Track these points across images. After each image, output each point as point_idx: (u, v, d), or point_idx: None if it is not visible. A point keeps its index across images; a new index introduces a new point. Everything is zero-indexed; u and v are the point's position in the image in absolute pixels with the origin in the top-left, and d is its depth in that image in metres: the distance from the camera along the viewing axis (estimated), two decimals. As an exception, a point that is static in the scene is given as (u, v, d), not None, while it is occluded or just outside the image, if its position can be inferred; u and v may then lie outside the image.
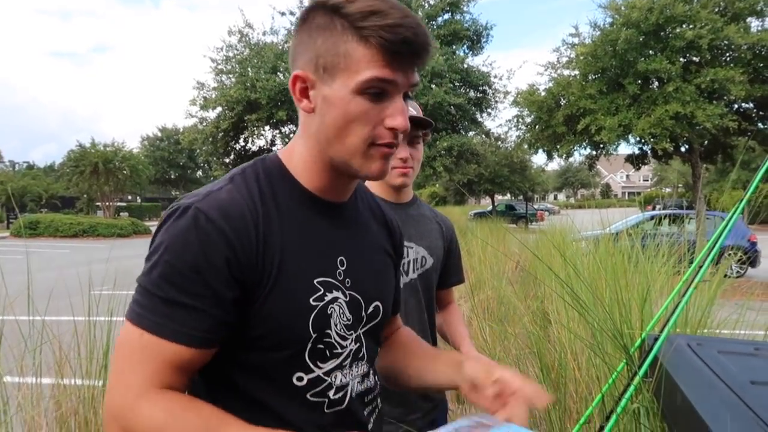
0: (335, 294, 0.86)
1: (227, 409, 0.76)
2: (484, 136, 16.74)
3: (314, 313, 0.83)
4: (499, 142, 20.14)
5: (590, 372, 2.29)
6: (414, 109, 1.56)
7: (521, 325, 4.03)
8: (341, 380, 0.88)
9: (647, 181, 73.72)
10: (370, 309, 0.93)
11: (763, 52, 10.42)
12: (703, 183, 12.29)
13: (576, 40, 12.13)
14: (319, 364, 0.85)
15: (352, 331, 0.89)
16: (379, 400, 0.98)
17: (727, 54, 10.96)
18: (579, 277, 2.33)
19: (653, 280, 2.51)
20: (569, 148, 12.10)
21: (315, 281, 0.84)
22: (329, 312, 0.85)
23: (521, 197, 34.85)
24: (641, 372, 1.12)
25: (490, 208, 34.53)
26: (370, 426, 0.93)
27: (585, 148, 12.66)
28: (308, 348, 0.84)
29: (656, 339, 1.26)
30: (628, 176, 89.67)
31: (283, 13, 15.74)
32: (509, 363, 3.16)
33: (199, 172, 53.70)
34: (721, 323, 2.14)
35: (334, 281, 0.87)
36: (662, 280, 3.03)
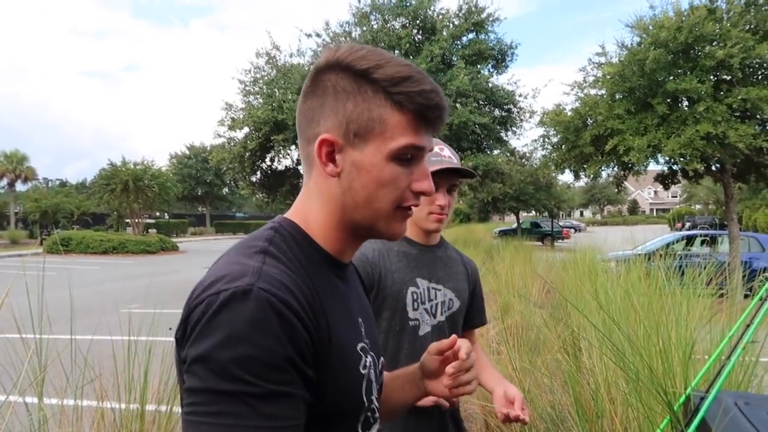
0: (367, 358, 0.85)
1: None
2: (509, 154, 16.67)
3: (364, 381, 0.83)
4: (525, 161, 20.01)
5: (626, 412, 2.24)
6: (453, 156, 1.60)
7: (551, 354, 3.98)
8: None
9: (676, 197, 72.40)
10: (380, 365, 0.94)
11: (796, 70, 10.24)
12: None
13: (602, 60, 12.07)
14: (365, 431, 0.85)
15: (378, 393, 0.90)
16: None
17: (759, 72, 10.78)
18: (614, 323, 2.29)
19: (692, 316, 2.46)
20: (597, 169, 11.98)
21: (357, 348, 0.84)
22: (371, 378, 0.86)
23: (546, 214, 34.51)
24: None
25: (515, 225, 34.28)
26: None
27: (613, 168, 12.52)
28: (362, 418, 0.83)
29: (701, 397, 1.23)
30: (656, 192, 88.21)
31: (309, 35, 16.02)
32: (540, 395, 3.12)
33: (225, 189, 54.46)
34: None
35: (365, 345, 0.86)
36: (701, 309, 2.97)
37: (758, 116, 10.48)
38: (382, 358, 0.96)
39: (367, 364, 0.85)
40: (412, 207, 0.83)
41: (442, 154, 1.58)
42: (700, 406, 1.18)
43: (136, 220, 29.20)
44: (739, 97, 9.98)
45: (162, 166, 32.05)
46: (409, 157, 0.79)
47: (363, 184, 0.79)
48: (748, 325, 1.19)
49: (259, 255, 0.75)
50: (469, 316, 1.77)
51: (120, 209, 29.75)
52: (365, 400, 0.83)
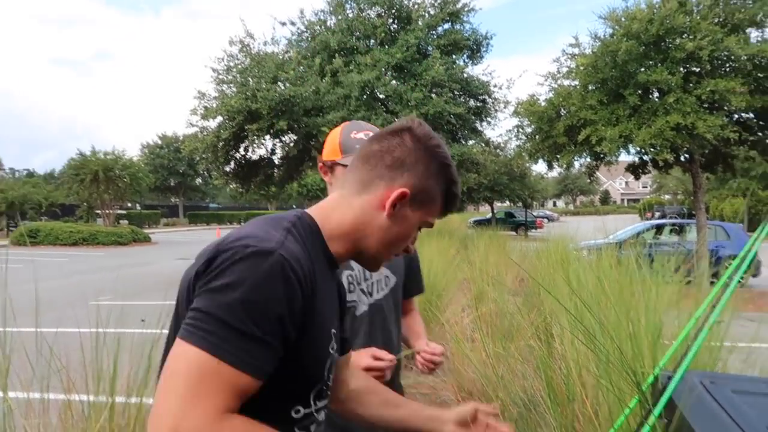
0: (334, 343, 1.03)
1: None
2: (483, 144, 16.77)
3: (329, 359, 1.00)
4: (499, 151, 20.16)
5: (597, 394, 2.28)
6: None
7: (524, 341, 4.02)
8: (322, 417, 1.03)
9: (646, 188, 73.80)
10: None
11: (762, 63, 10.43)
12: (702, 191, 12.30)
13: (576, 51, 12.17)
14: (317, 402, 0.99)
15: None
16: None
17: (728, 65, 10.99)
18: (584, 306, 2.32)
19: (661, 301, 2.50)
20: (570, 159, 12.11)
21: (331, 331, 1.01)
22: (333, 360, 1.03)
23: (520, 204, 34.87)
24: (656, 413, 1.12)
25: (489, 215, 34.56)
26: None
27: (585, 158, 12.68)
28: (318, 388, 0.98)
29: (669, 377, 1.25)
30: (627, 183, 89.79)
31: (283, 23, 15.74)
32: (513, 381, 3.15)
33: (199, 180, 53.77)
34: (736, 338, 2.13)
35: (336, 333, 1.04)
36: (669, 295, 3.02)
37: (725, 108, 10.68)
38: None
39: (334, 347, 1.02)
40: None
41: None
42: (667, 385, 1.20)
43: (107, 211, 28.64)
44: (708, 89, 10.16)
45: (133, 156, 31.45)
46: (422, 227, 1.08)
47: (397, 232, 1.03)
48: (714, 306, 1.20)
49: (284, 231, 0.92)
50: (406, 288, 1.91)
51: (90, 200, 29.14)
52: (326, 374, 1.00)
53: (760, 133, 11.80)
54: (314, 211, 1.05)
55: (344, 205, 1.03)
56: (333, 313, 1.05)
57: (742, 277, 1.42)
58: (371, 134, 1.68)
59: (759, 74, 10.52)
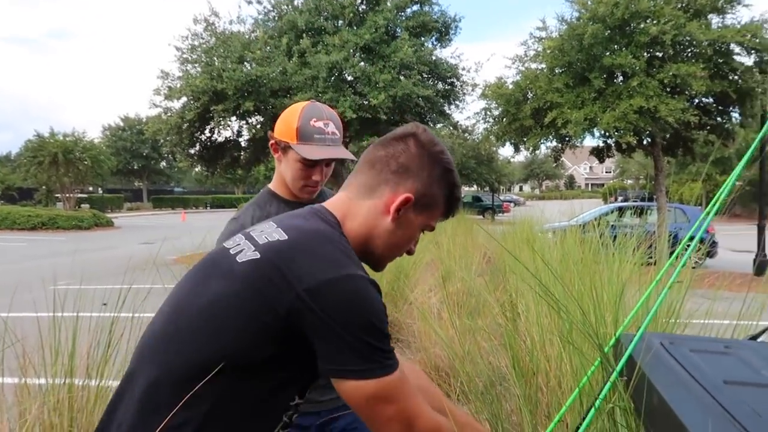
0: None
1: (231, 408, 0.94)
2: (452, 128, 16.81)
3: None
4: (467, 134, 20.27)
5: (561, 365, 2.32)
6: (338, 131, 1.72)
7: (491, 317, 4.07)
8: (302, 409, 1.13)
9: (610, 172, 75.33)
10: None
11: (722, 49, 10.70)
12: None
13: (543, 34, 12.26)
14: (307, 395, 1.08)
15: None
16: None
17: (689, 50, 11.22)
18: (551, 272, 2.35)
19: (622, 274, 2.55)
20: (536, 141, 12.25)
21: None
22: None
23: (487, 188, 35.20)
24: (617, 370, 1.13)
25: (457, 199, 34.74)
26: None
27: (551, 141, 12.84)
28: (317, 382, 1.06)
29: (631, 338, 1.27)
30: (591, 168, 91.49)
31: (249, 2, 15.41)
32: (480, 356, 3.19)
33: (163, 163, 52.65)
34: (691, 314, 2.19)
35: None
36: (629, 271, 3.08)
37: (686, 92, 10.93)
38: None
39: None
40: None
41: (327, 131, 1.66)
42: (629, 346, 1.22)
43: (67, 195, 27.86)
44: (670, 73, 10.38)
45: (94, 139, 30.58)
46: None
47: (403, 236, 1.09)
48: (675, 268, 1.22)
49: (339, 251, 0.99)
50: None
51: (49, 183, 28.29)
52: None
53: (719, 118, 12.13)
54: (336, 210, 1.09)
55: (354, 210, 1.08)
56: None
57: (697, 255, 1.44)
58: (331, 123, 1.68)
59: (719, 59, 10.78)
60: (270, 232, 1.01)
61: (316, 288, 0.91)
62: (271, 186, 1.82)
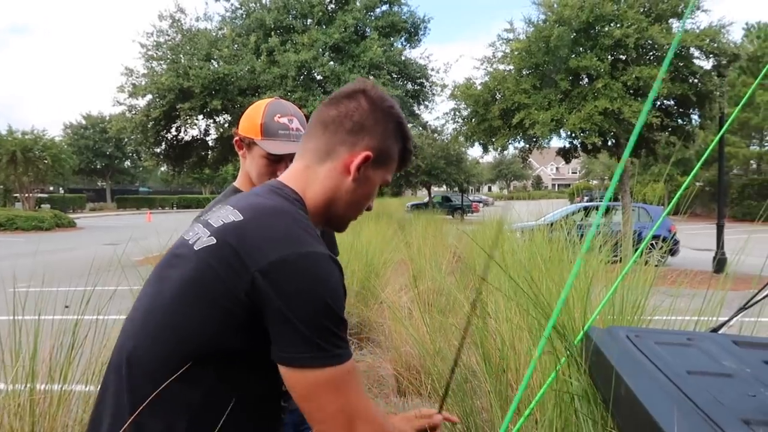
0: None
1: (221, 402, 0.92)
2: (421, 128, 16.90)
3: None
4: (436, 135, 20.40)
5: (529, 362, 2.35)
6: (302, 127, 1.72)
7: (461, 316, 4.11)
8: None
9: (576, 173, 76.75)
10: None
11: (683, 52, 11.00)
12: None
13: (511, 36, 12.42)
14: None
15: None
16: None
17: (651, 53, 11.51)
18: (522, 268, 2.38)
19: (589, 272, 2.61)
20: (504, 142, 12.40)
21: None
22: None
23: (456, 189, 35.48)
24: (583, 362, 1.16)
25: (426, 199, 34.99)
26: None
27: (519, 142, 13.01)
28: None
29: (599, 332, 1.30)
30: (557, 169, 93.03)
31: (217, -1, 15.21)
32: (451, 353, 3.21)
33: (128, 162, 51.56)
34: (654, 310, 2.25)
35: None
36: (594, 269, 3.15)
37: (649, 94, 11.22)
38: None
39: None
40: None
41: (291, 127, 1.68)
42: (599, 338, 1.25)
43: (26, 195, 27.04)
44: (633, 75, 10.63)
45: (55, 137, 29.73)
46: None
47: (364, 193, 1.09)
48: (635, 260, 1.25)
49: (296, 224, 0.96)
50: None
51: (7, 183, 27.45)
52: None
53: (679, 120, 12.47)
54: (294, 184, 1.07)
55: (312, 177, 1.06)
56: None
57: (659, 253, 1.49)
58: (295, 119, 1.69)
59: (679, 63, 11.09)
60: (226, 214, 0.97)
61: (269, 267, 0.87)
62: (236, 183, 1.80)
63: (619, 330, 1.34)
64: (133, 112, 13.90)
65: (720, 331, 1.46)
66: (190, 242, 0.99)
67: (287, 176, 1.08)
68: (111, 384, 0.97)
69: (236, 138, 1.71)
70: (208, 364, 0.90)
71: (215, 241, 0.93)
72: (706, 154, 1.40)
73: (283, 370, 0.89)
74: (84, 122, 48.88)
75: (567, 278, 2.45)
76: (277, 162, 1.65)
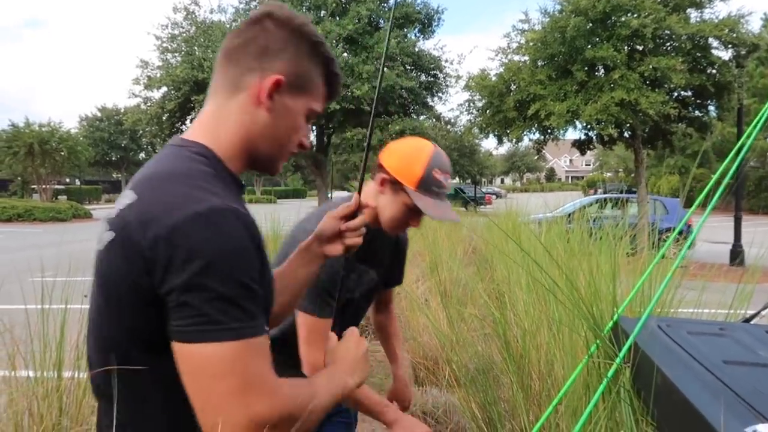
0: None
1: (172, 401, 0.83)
2: (435, 119, 16.84)
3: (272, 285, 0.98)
4: (450, 126, 20.32)
5: (553, 352, 2.35)
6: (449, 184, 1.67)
7: (478, 307, 4.11)
8: None
9: (589, 165, 76.12)
10: None
11: (701, 43, 10.84)
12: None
13: (526, 26, 12.30)
14: None
15: None
16: None
17: (669, 43, 11.35)
18: (548, 254, 2.38)
19: (610, 262, 2.60)
20: (519, 133, 12.31)
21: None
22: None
23: (469, 181, 35.36)
24: (623, 352, 1.16)
25: (439, 191, 34.83)
26: None
27: (534, 133, 12.92)
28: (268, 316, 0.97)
29: (629, 321, 1.30)
30: (571, 161, 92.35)
31: (230, -9, 15.24)
32: (472, 341, 3.22)
33: (142, 154, 51.91)
34: (679, 302, 2.24)
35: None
36: (616, 261, 3.14)
37: (666, 85, 11.06)
38: None
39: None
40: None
41: (445, 186, 1.55)
42: (630, 328, 1.24)
43: (44, 186, 27.34)
44: (651, 66, 10.48)
45: (71, 129, 30.01)
46: (311, 118, 1.00)
47: (285, 126, 0.95)
48: (673, 252, 1.25)
49: (196, 185, 0.84)
50: (387, 279, 1.95)
51: (25, 174, 27.77)
52: (273, 301, 0.97)
53: (697, 111, 12.31)
54: (200, 135, 0.93)
55: (224, 116, 0.93)
56: None
57: (678, 247, 1.47)
58: (449, 176, 1.56)
59: (697, 53, 10.93)
60: (122, 199, 0.86)
61: (157, 238, 0.77)
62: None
63: (650, 319, 1.33)
64: (149, 104, 14.00)
65: (752, 321, 1.45)
66: (97, 245, 0.88)
67: (194, 126, 0.96)
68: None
69: (381, 174, 1.57)
70: (142, 363, 0.83)
71: (113, 233, 0.83)
72: (748, 144, 1.37)
73: (174, 347, 0.77)
74: (99, 114, 49.27)
75: (591, 268, 2.44)
76: (417, 214, 1.56)
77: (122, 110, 36.25)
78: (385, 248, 1.80)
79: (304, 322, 1.54)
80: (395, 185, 1.53)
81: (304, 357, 1.56)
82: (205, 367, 0.75)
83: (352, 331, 1.10)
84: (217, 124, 0.93)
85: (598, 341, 1.33)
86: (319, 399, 0.88)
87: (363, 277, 1.72)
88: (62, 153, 26.58)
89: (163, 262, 0.76)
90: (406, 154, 1.53)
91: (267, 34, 0.93)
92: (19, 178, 29.64)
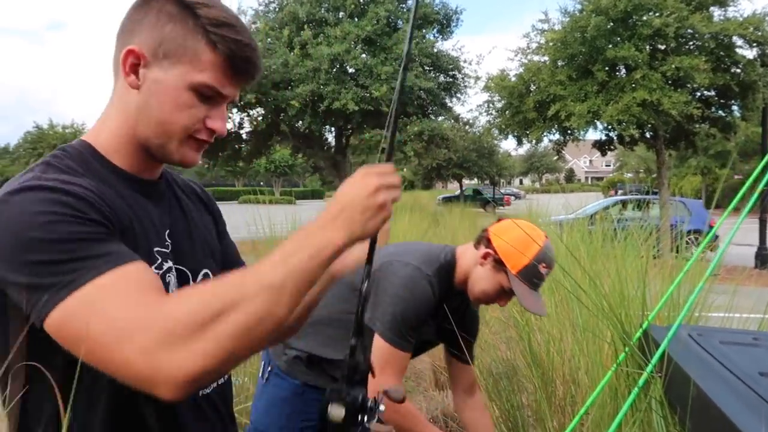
0: (169, 264, 0.88)
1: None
2: (453, 120, 16.79)
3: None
4: (468, 127, 20.23)
5: (577, 360, 2.33)
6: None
7: (500, 309, 4.08)
8: None
9: (609, 166, 75.23)
10: (199, 278, 0.95)
11: (724, 41, 10.66)
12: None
13: (546, 26, 12.22)
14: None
15: None
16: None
17: (691, 42, 11.18)
18: (574, 257, 2.35)
19: (636, 266, 2.56)
20: (539, 134, 12.23)
21: (154, 250, 0.85)
22: (167, 281, 0.87)
23: (488, 182, 35.18)
24: (653, 362, 1.14)
25: (458, 192, 34.78)
26: (208, 391, 0.93)
27: (554, 134, 12.82)
28: None
29: (659, 330, 1.28)
30: (591, 161, 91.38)
31: (250, -7, 15.34)
32: (494, 346, 3.19)
33: (163, 155, 52.51)
34: (710, 307, 2.21)
35: (167, 252, 0.88)
36: (636, 265, 3.09)
37: (689, 85, 10.91)
38: (206, 271, 0.96)
39: (163, 267, 0.86)
40: (208, 142, 0.87)
41: (544, 280, 1.57)
42: (659, 336, 1.22)
43: (67, 187, 27.79)
44: (673, 66, 10.34)
45: (93, 130, 30.49)
46: (209, 95, 0.83)
47: (160, 103, 0.81)
48: (703, 260, 1.23)
49: (34, 168, 0.77)
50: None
51: (48, 175, 28.22)
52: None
53: (720, 111, 12.11)
54: (86, 134, 0.89)
55: (106, 110, 0.88)
56: (155, 230, 0.87)
57: (691, 231, 1.45)
58: (550, 271, 1.58)
59: (720, 52, 10.75)
60: None
61: None
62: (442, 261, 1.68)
63: (680, 328, 1.31)
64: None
65: (786, 331, 1.42)
66: None
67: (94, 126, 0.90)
68: None
69: (487, 250, 1.58)
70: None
71: None
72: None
73: (48, 330, 0.68)
74: (120, 116, 50.05)
75: (617, 272, 2.41)
76: (509, 297, 1.60)
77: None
78: (454, 310, 1.76)
79: (382, 350, 1.51)
80: (498, 264, 1.55)
81: (376, 385, 1.51)
82: (70, 333, 0.66)
83: (368, 169, 0.79)
84: (102, 119, 0.88)
85: (627, 349, 1.31)
86: (282, 267, 0.69)
87: (428, 327, 1.71)
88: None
89: None
90: (519, 240, 1.53)
91: (130, 11, 0.85)
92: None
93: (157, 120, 0.82)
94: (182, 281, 0.90)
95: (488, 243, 1.59)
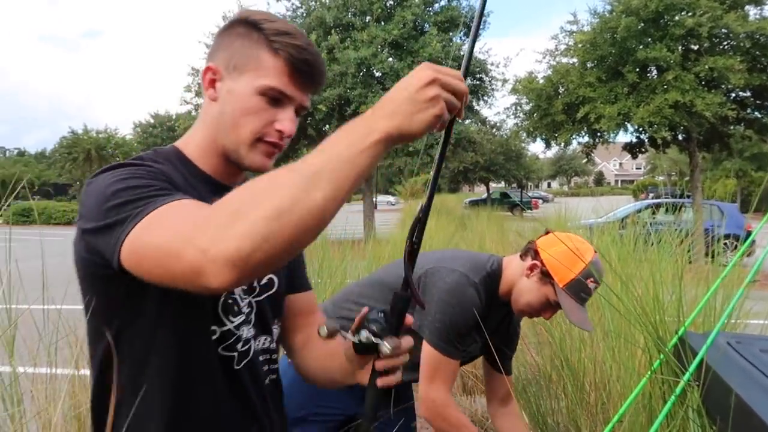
0: None
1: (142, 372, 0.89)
2: (480, 123, 16.70)
3: None
4: (495, 130, 20.09)
5: (609, 367, 2.29)
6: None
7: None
8: (247, 334, 0.97)
9: (640, 169, 73.88)
10: (264, 281, 1.02)
11: (761, 41, 10.38)
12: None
13: (574, 28, 12.06)
14: (230, 318, 0.95)
15: (247, 296, 0.99)
16: (276, 365, 1.06)
17: (726, 42, 10.92)
18: (605, 260, 2.31)
19: (671, 269, 2.51)
20: (568, 137, 12.06)
21: None
22: None
23: (515, 185, 34.88)
24: (691, 371, 1.11)
25: (485, 195, 34.57)
26: (266, 382, 1.02)
27: (583, 137, 12.63)
28: (221, 301, 0.93)
29: (696, 338, 1.25)
30: (621, 164, 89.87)
31: (278, -1, 15.54)
32: (523, 351, 3.16)
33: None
34: (747, 314, 2.15)
35: None
36: (670, 269, 3.03)
37: (723, 86, 10.65)
38: (272, 276, 1.04)
39: None
40: (277, 145, 0.93)
41: (591, 295, 1.56)
42: (696, 343, 1.20)
43: (101, 191, 28.45)
44: (707, 66, 10.11)
45: (126, 135, 31.21)
46: (275, 98, 0.91)
47: (233, 110, 0.91)
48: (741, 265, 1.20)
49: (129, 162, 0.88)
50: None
51: (83, 179, 28.94)
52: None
53: (756, 112, 11.79)
54: (175, 144, 1.01)
55: (197, 120, 1.01)
56: None
57: (726, 235, 1.40)
58: (597, 286, 1.57)
59: (757, 52, 10.47)
60: None
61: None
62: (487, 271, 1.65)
63: (718, 336, 1.28)
64: (199, 110, 14.39)
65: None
66: None
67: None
68: None
69: (535, 262, 1.58)
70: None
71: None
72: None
73: (123, 264, 0.77)
74: (152, 121, 50.93)
75: (654, 277, 2.36)
76: (554, 310, 1.58)
77: (174, 117, 37.47)
78: (497, 321, 1.75)
79: (431, 357, 1.51)
80: (545, 276, 1.53)
81: (424, 393, 1.50)
82: (139, 254, 0.75)
83: (430, 64, 0.77)
84: (192, 129, 1.00)
85: (662, 356, 1.29)
86: (320, 155, 0.70)
87: (475, 343, 1.70)
88: (118, 158, 27.61)
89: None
90: (568, 253, 1.52)
91: (219, 37, 0.97)
92: (77, 183, 30.95)
93: (231, 125, 0.92)
94: (249, 286, 0.99)
95: (535, 254, 1.57)
